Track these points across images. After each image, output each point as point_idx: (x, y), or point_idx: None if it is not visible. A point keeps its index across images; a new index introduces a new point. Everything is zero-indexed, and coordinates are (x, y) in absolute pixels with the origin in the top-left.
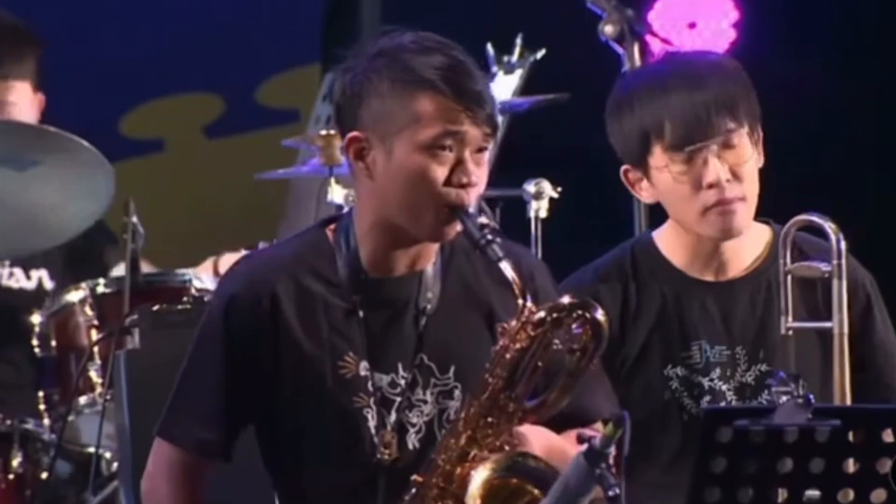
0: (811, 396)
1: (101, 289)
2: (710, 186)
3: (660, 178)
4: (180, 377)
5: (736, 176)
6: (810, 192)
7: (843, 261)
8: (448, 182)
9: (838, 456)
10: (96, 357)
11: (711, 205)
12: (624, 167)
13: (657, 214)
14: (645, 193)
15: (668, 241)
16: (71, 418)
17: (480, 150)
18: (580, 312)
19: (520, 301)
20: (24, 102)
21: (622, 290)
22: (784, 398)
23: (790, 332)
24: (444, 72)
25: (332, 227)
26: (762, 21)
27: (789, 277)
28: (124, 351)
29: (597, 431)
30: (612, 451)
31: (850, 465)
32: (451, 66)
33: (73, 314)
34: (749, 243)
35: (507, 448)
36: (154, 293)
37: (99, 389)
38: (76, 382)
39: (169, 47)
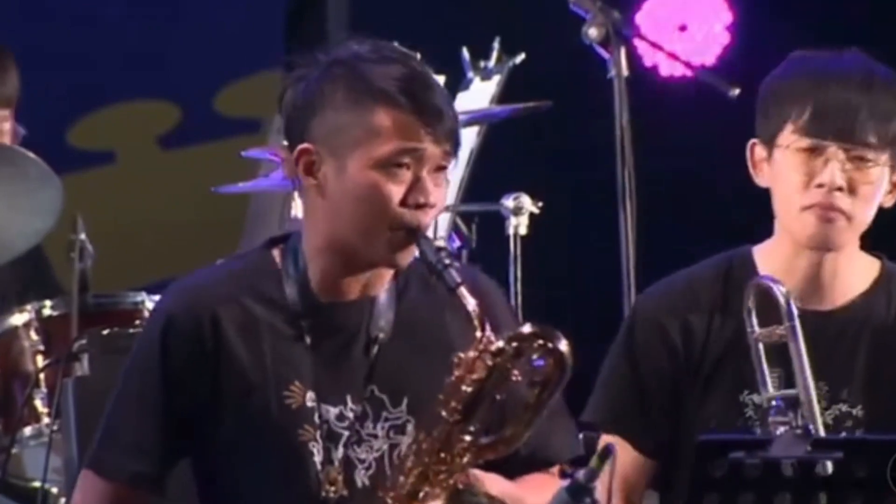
0: (811, 426)
1: (47, 311)
2: (819, 186)
3: (779, 161)
4: (112, 402)
5: (852, 190)
6: None
7: (796, 323)
8: (404, 202)
9: (842, 491)
10: (42, 385)
11: (812, 204)
12: (753, 141)
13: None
14: (762, 175)
15: (766, 257)
16: (15, 451)
17: (439, 168)
18: (542, 342)
19: (478, 332)
20: (6, 127)
21: (710, 301)
22: (782, 428)
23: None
24: (402, 83)
25: (279, 247)
26: (758, 23)
27: (760, 345)
28: (72, 378)
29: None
30: (597, 485)
31: (855, 502)
32: (410, 77)
33: (16, 338)
34: (851, 276)
35: (460, 486)
36: (104, 316)
37: (45, 420)
38: (20, 412)
39: (121, 51)
